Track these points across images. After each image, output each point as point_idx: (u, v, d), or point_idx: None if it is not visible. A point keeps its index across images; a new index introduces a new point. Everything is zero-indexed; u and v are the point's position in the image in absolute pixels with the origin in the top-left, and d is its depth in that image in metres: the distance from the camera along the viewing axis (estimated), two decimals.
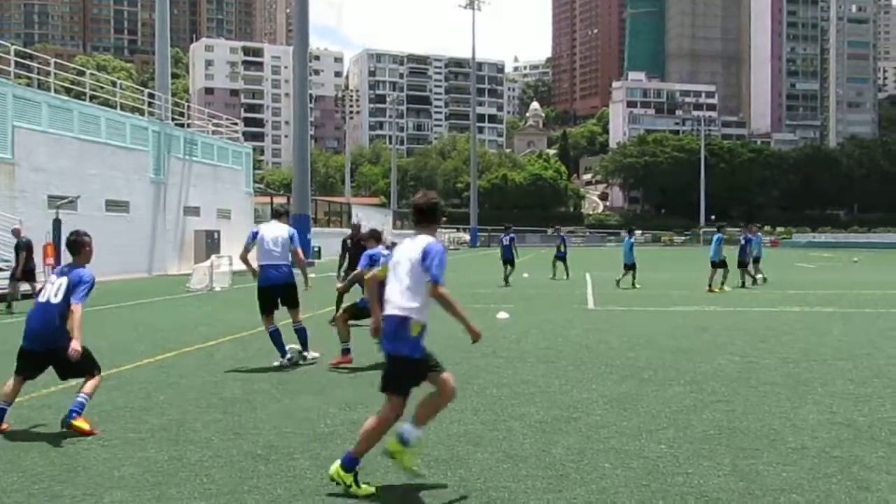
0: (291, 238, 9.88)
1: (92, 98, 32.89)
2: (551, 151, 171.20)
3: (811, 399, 7.63)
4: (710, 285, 21.94)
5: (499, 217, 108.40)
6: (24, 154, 26.32)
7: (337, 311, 12.53)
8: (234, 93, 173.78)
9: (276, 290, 9.71)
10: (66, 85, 34.63)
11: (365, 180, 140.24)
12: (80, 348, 6.34)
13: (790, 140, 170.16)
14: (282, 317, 9.94)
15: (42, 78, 31.03)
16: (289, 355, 9.73)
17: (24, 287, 17.85)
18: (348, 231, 15.44)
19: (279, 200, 52.83)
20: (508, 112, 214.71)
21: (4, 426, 6.48)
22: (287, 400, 7.70)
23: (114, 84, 37.21)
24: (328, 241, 51.98)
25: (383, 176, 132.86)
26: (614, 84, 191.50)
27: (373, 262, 9.59)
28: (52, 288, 6.62)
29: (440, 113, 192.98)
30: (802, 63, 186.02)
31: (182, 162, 36.44)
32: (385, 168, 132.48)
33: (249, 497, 4.85)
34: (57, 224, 21.96)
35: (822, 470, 5.32)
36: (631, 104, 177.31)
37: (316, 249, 41.95)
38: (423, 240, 5.11)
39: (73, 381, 8.62)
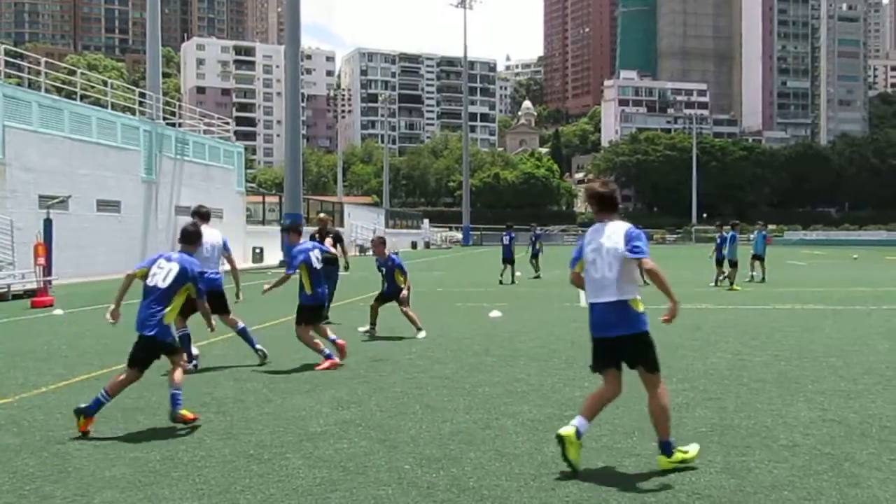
0: (224, 244, 9.76)
1: (83, 97, 32.81)
2: (543, 150, 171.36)
3: (802, 396, 7.65)
4: (731, 283, 22.31)
5: (491, 216, 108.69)
6: (14, 154, 26.24)
7: (373, 325, 12.52)
8: (226, 92, 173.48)
9: (208, 297, 9.59)
10: (57, 84, 34.51)
11: (357, 179, 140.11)
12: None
13: (781, 138, 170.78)
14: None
15: (33, 77, 30.93)
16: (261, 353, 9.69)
17: None
18: (336, 230, 15.03)
19: (271, 200, 52.82)
20: (500, 111, 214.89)
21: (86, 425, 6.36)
22: (279, 400, 7.69)
23: (105, 83, 37.10)
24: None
25: (375, 175, 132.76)
26: (606, 83, 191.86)
27: (303, 261, 9.46)
28: (161, 273, 6.69)
29: (432, 112, 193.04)
30: (793, 61, 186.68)
31: (173, 161, 36.37)
32: (377, 167, 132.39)
33: (242, 497, 4.84)
34: (48, 224, 21.86)
35: (814, 467, 5.34)
36: (623, 103, 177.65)
37: None
38: (619, 226, 5.48)
39: (62, 383, 8.60)
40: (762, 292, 20.96)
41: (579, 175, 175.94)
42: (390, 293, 12.42)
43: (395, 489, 4.97)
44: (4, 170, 25.89)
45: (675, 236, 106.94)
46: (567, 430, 5.20)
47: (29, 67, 31.16)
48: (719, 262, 23.61)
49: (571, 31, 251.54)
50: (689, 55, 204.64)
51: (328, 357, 9.44)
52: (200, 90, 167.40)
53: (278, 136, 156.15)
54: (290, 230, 10.22)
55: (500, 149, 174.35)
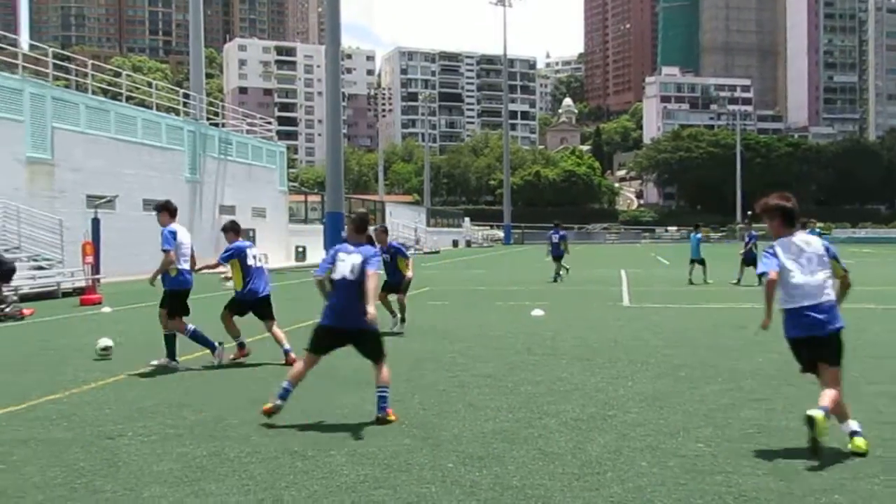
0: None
1: (128, 99, 33.32)
2: (584, 147, 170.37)
3: (855, 398, 7.47)
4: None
5: (532, 214, 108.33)
6: (63, 155, 26.73)
7: (393, 314, 12.84)
8: (268, 92, 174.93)
9: (188, 294, 9.96)
10: (103, 86, 35.11)
11: (398, 178, 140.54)
12: (375, 312, 6.58)
13: (828, 134, 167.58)
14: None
15: (80, 80, 31.49)
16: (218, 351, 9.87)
17: None
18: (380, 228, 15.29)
19: (313, 198, 53.19)
20: (541, 109, 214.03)
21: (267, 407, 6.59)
22: (324, 397, 7.73)
23: (149, 85, 37.65)
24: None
25: (416, 174, 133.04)
26: (647, 79, 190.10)
27: (233, 255, 9.90)
28: (344, 265, 6.71)
29: (472, 110, 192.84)
30: (840, 55, 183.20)
31: (217, 161, 36.79)
32: (418, 166, 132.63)
33: (287, 493, 4.88)
34: (96, 223, 22.26)
35: (865, 470, 5.23)
36: (665, 99, 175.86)
37: None
38: (807, 235, 5.97)
39: (110, 379, 8.74)
40: None
41: (621, 173, 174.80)
42: (395, 283, 12.88)
43: (439, 487, 4.97)
44: (53, 170, 26.39)
45: (719, 234, 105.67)
46: (818, 413, 5.36)
47: (76, 70, 31.72)
48: (748, 262, 23.33)
49: (612, 28, 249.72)
50: (732, 50, 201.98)
51: (241, 346, 9.92)
52: (243, 90, 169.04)
53: (319, 135, 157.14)
54: (228, 230, 10.54)
55: (541, 147, 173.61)
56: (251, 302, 10.03)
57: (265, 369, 9.38)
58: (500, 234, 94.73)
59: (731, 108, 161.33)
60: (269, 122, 49.25)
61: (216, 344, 9.71)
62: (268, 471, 5.32)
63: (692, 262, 24.07)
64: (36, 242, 22.92)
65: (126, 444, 6.06)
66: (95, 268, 20.96)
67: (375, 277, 6.68)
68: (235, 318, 10.05)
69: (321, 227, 42.94)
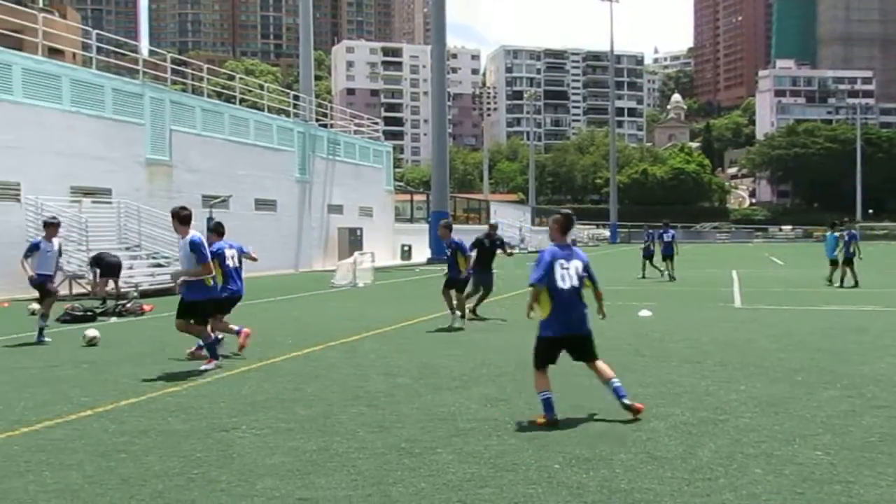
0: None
1: (241, 101, 34.36)
2: (694, 144, 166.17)
3: None
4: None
5: (639, 213, 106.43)
6: (180, 156, 27.79)
7: (452, 311, 13.20)
8: (375, 93, 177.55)
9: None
10: (218, 89, 36.32)
11: (502, 177, 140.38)
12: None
13: None
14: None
15: (196, 83, 32.67)
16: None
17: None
18: (500, 236, 16.08)
19: (419, 198, 53.73)
20: (648, 105, 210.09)
21: (541, 419, 6.59)
22: (429, 395, 7.79)
23: (261, 87, 38.76)
24: (467, 238, 52.35)
25: (521, 172, 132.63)
26: (761, 73, 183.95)
27: (213, 256, 9.98)
28: (568, 273, 6.70)
29: (578, 108, 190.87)
30: None
31: (325, 161, 37.56)
32: (523, 164, 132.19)
33: (394, 489, 4.93)
34: (210, 223, 23.06)
35: None
36: (779, 93, 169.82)
37: None
38: None
39: (225, 373, 9.02)
40: None
41: (732, 170, 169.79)
42: (455, 278, 13.32)
43: (545, 488, 4.93)
44: (171, 171, 27.47)
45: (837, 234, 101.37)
46: None
47: (192, 74, 32.93)
48: (844, 262, 22.36)
49: (723, 21, 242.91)
50: (852, 41, 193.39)
51: (201, 348, 10.03)
52: (350, 91, 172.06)
53: (425, 134, 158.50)
54: (212, 231, 11.06)
55: (649, 144, 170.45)
56: (234, 300, 10.62)
57: (371, 367, 9.52)
58: (606, 233, 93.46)
59: (850, 101, 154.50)
60: (376, 123, 49.99)
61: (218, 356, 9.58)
62: (375, 466, 5.40)
63: (831, 263, 23.06)
64: (155, 241, 23.87)
65: (240, 436, 6.25)
66: None
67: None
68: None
69: (426, 226, 43.37)
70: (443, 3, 36.91)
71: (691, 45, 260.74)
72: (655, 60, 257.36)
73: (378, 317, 14.98)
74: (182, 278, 9.52)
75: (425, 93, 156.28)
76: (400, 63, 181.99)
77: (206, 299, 9.51)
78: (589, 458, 5.53)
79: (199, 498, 4.80)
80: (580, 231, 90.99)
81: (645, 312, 14.94)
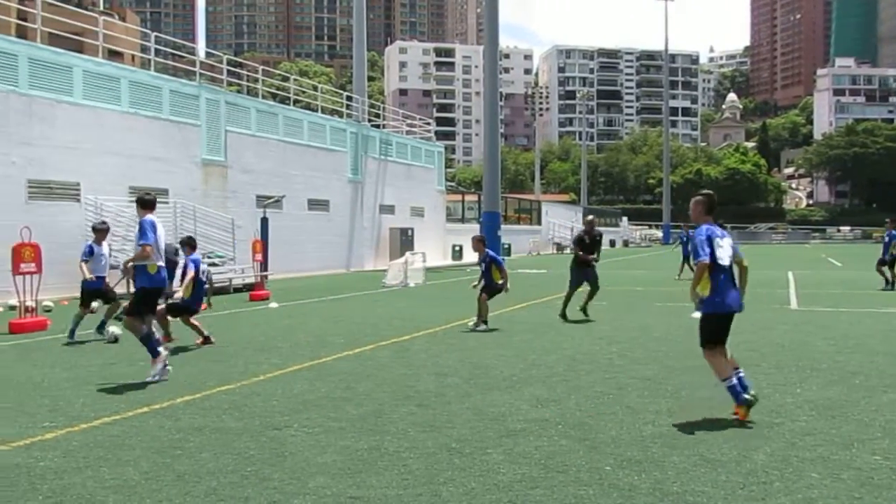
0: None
1: (295, 102, 34.71)
2: (749, 144, 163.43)
3: None
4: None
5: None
6: (235, 156, 28.18)
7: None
8: (427, 93, 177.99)
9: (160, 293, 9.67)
10: (272, 90, 36.72)
11: (554, 177, 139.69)
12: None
13: None
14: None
15: (251, 85, 33.10)
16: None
17: None
18: (581, 228, 16.17)
19: (470, 198, 53.71)
20: (703, 104, 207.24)
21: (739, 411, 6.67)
22: (479, 395, 7.79)
23: (315, 88, 39.09)
24: (518, 238, 52.25)
25: (573, 172, 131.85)
26: (819, 71, 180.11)
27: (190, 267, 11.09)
28: (725, 252, 6.91)
29: (631, 107, 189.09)
30: None
31: (378, 162, 37.77)
32: (574, 164, 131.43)
33: (445, 489, 4.95)
34: (264, 222, 23.34)
35: None
36: (838, 92, 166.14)
37: (506, 247, 42.22)
38: None
39: (278, 372, 9.12)
40: None
41: (788, 170, 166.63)
42: (492, 286, 13.51)
43: (596, 489, 4.90)
44: (226, 171, 27.87)
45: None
46: None
47: (247, 75, 33.37)
48: (883, 263, 21.71)
49: (781, 19, 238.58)
50: None
51: (168, 336, 11.33)
52: (403, 92, 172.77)
53: (477, 135, 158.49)
54: (185, 244, 11.92)
55: (703, 144, 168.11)
56: (194, 308, 11.70)
57: (422, 367, 9.55)
58: (659, 233, 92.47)
59: None
60: (428, 123, 50.08)
61: (161, 351, 8.91)
62: (425, 466, 5.42)
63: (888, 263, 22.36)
64: (210, 240, 24.23)
65: (292, 435, 6.32)
66: (264, 265, 21.98)
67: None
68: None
69: (478, 226, 43.32)
70: (496, 3, 36.80)
71: (748, 44, 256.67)
72: (711, 59, 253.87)
73: (429, 317, 15.02)
74: (130, 264, 9.06)
75: (477, 93, 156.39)
76: (452, 63, 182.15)
77: (150, 287, 8.93)
78: (641, 461, 5.48)
79: (253, 495, 4.86)
80: (632, 231, 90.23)
81: (698, 314, 14.70)
